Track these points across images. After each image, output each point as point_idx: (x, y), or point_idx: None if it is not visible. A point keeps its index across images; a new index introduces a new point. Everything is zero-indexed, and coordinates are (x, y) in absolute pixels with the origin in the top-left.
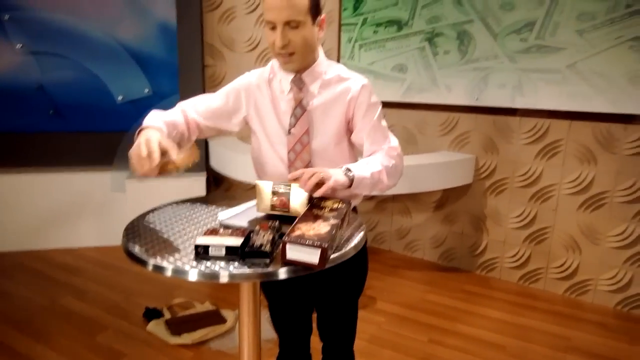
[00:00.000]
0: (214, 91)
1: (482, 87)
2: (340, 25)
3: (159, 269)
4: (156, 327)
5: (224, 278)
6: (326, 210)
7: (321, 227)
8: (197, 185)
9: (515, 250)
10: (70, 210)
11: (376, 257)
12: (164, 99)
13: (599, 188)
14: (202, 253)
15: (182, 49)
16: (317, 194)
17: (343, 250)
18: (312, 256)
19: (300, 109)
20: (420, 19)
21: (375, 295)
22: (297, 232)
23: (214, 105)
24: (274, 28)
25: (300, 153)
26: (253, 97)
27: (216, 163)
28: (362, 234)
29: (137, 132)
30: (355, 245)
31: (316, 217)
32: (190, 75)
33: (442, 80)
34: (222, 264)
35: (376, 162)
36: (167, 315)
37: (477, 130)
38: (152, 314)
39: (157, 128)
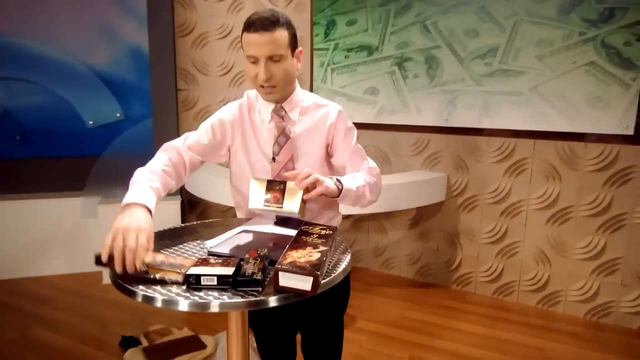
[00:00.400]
0: (188, 114)
1: (450, 109)
2: (312, 50)
3: (148, 299)
4: (133, 356)
5: (215, 308)
6: (314, 236)
7: (311, 254)
8: (171, 209)
9: (489, 265)
10: (39, 237)
11: (354, 276)
12: (137, 123)
13: (565, 203)
14: (193, 283)
15: (155, 73)
16: (309, 195)
17: (332, 276)
18: (304, 283)
19: (283, 136)
20: (389, 45)
21: (355, 314)
22: (288, 260)
23: (204, 142)
24: (255, 62)
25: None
26: (237, 127)
27: (191, 186)
28: (348, 258)
29: (122, 206)
30: (344, 270)
31: (305, 244)
32: (163, 99)
33: (413, 103)
34: (215, 293)
35: (360, 178)
36: (145, 343)
37: (448, 150)
38: (128, 342)
39: (146, 205)
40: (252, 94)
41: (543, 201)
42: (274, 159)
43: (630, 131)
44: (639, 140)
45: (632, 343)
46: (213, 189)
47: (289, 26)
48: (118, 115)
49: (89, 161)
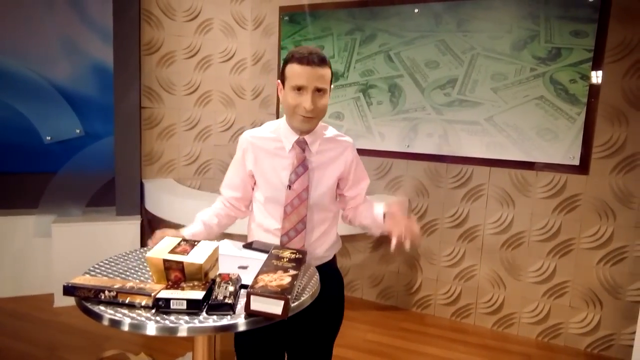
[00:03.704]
0: (151, 132)
1: (412, 136)
2: (279, 73)
3: (115, 323)
4: None
5: (183, 332)
6: (285, 260)
7: (282, 278)
8: (130, 229)
9: (447, 288)
10: None
11: None
12: (97, 140)
13: (518, 228)
14: (163, 307)
15: (119, 90)
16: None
17: (301, 299)
18: (275, 307)
19: (302, 167)
20: (354, 72)
21: None
22: (260, 284)
23: (245, 177)
24: (299, 91)
25: (298, 207)
26: (253, 154)
27: (151, 206)
28: (316, 281)
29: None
30: (312, 294)
31: (276, 268)
32: (126, 117)
33: (376, 128)
34: (186, 317)
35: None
36: None
37: (409, 175)
38: None
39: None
40: (272, 124)
41: (498, 226)
42: (289, 186)
43: (576, 162)
44: (584, 170)
45: None
46: (173, 209)
47: (330, 66)
48: (78, 131)
49: (44, 178)
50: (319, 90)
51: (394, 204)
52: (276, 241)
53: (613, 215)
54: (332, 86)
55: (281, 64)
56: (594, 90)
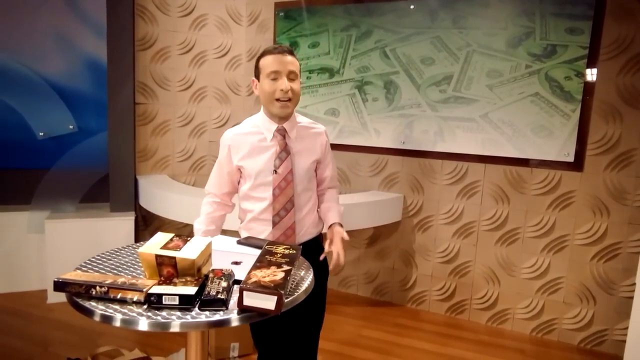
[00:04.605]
0: (146, 128)
1: (407, 132)
2: None
3: (107, 319)
4: None
5: (176, 327)
6: (278, 256)
7: (275, 273)
8: (124, 225)
9: (442, 284)
10: None
11: None
12: (91, 136)
13: (513, 225)
14: (155, 302)
15: (112, 86)
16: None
17: (295, 295)
18: (268, 302)
19: (285, 152)
20: (350, 68)
21: None
22: (253, 279)
23: (232, 172)
24: (275, 78)
25: (285, 189)
26: (236, 148)
27: (145, 202)
28: (310, 277)
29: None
30: (306, 289)
31: (270, 264)
32: (120, 112)
33: (372, 125)
34: (178, 312)
35: (337, 209)
36: None
37: (404, 172)
38: None
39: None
40: (253, 119)
41: (493, 222)
42: (275, 171)
43: (571, 158)
44: (578, 167)
45: (573, 358)
46: (168, 205)
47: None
48: (71, 127)
49: (38, 174)
50: (291, 75)
51: (339, 234)
52: (267, 225)
53: (607, 212)
54: (301, 80)
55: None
56: (588, 87)
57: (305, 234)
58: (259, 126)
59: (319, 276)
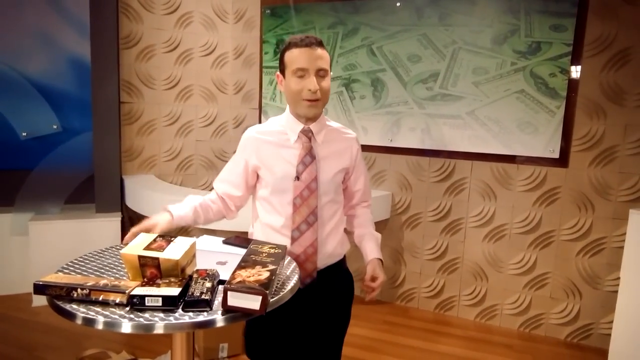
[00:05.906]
0: (131, 128)
1: (395, 130)
2: (261, 68)
3: (89, 322)
4: None
5: (159, 329)
6: (263, 255)
7: (260, 273)
8: (111, 226)
9: (431, 281)
10: None
11: None
12: (75, 136)
13: (500, 221)
14: (137, 304)
15: (97, 85)
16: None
17: (280, 294)
18: (253, 302)
19: (309, 157)
20: (337, 66)
21: None
22: (237, 279)
23: (246, 173)
24: (302, 76)
25: (308, 198)
26: (256, 148)
27: (132, 202)
28: (296, 277)
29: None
30: (291, 289)
31: (255, 263)
32: (105, 112)
33: (359, 122)
34: (162, 314)
35: (373, 234)
36: None
37: (392, 169)
38: None
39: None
40: (278, 119)
41: (480, 219)
42: (297, 177)
43: (556, 155)
44: (563, 163)
45: (561, 352)
46: (154, 205)
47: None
48: (55, 127)
49: (21, 175)
50: (320, 72)
51: (382, 277)
52: (285, 240)
53: (592, 207)
54: (331, 73)
55: (263, 58)
56: (573, 84)
57: (329, 255)
58: (283, 126)
59: (343, 300)
